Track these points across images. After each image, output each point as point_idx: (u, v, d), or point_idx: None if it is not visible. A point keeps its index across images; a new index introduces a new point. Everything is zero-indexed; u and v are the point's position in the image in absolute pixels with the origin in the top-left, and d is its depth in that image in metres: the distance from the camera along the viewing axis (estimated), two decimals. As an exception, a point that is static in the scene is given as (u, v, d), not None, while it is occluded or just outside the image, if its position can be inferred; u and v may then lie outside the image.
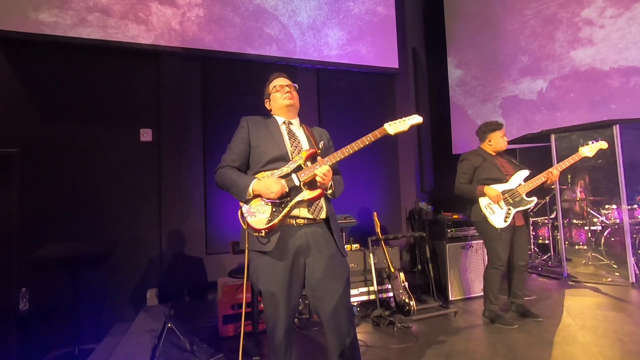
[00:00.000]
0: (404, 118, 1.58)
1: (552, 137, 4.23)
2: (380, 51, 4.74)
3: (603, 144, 2.64)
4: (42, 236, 3.09)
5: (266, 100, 1.77)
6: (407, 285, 2.83)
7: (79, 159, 3.43)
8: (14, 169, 2.33)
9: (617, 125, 3.82)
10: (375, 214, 3.23)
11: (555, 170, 2.62)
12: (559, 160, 4.11)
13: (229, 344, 2.53)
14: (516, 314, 2.82)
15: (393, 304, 2.96)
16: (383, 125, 1.56)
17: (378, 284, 3.02)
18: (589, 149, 2.63)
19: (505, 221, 2.62)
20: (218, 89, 4.05)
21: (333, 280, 1.48)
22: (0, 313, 2.31)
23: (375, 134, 1.54)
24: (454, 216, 3.55)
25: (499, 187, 2.67)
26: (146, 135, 3.72)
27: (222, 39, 4.01)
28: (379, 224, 3.13)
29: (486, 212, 2.66)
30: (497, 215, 2.64)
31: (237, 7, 4.10)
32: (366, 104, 4.69)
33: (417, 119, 1.59)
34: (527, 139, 4.49)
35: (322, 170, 1.45)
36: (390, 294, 3.03)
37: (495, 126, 2.82)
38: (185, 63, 3.93)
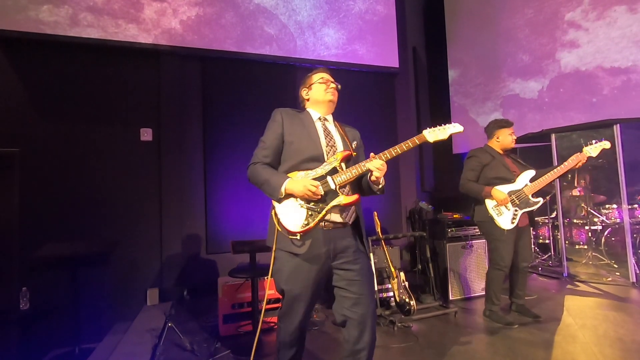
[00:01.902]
0: (444, 126, 1.55)
1: (553, 136, 4.22)
2: (380, 50, 4.73)
3: (606, 144, 2.57)
4: (43, 236, 3.09)
5: (305, 89, 1.71)
6: (407, 285, 2.83)
7: (79, 159, 3.44)
8: (14, 168, 2.32)
9: (618, 125, 3.82)
10: (376, 213, 3.23)
11: (580, 160, 2.53)
12: (559, 160, 4.14)
13: (230, 343, 2.53)
14: (516, 314, 2.82)
15: (393, 304, 2.96)
16: (422, 132, 1.54)
17: (378, 284, 3.02)
18: (592, 149, 2.57)
19: (512, 222, 2.60)
20: (218, 88, 4.04)
21: (362, 284, 1.48)
22: (1, 312, 2.31)
23: (414, 141, 1.51)
24: (454, 216, 3.55)
25: (505, 188, 2.64)
26: (146, 134, 3.72)
27: (222, 38, 4.01)
28: (379, 223, 3.13)
29: (493, 213, 2.63)
30: (505, 216, 2.61)
31: (237, 6, 4.10)
32: (366, 103, 4.69)
33: (457, 128, 1.56)
34: (527, 138, 4.49)
35: (376, 164, 1.44)
36: (391, 294, 3.03)
37: (505, 123, 2.81)
38: (185, 62, 3.93)
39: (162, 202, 3.70)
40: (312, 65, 4.40)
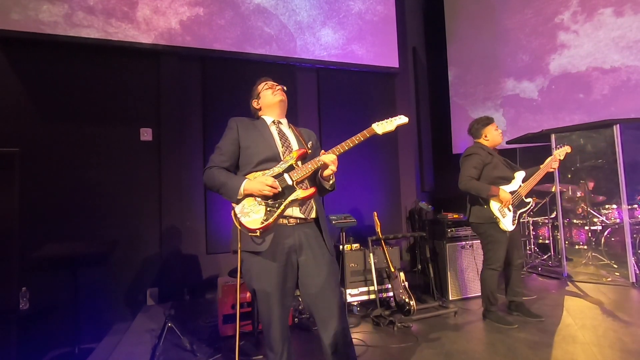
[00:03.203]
0: (391, 118, 1.61)
1: (553, 136, 4.22)
2: (380, 50, 4.73)
3: (567, 149, 2.79)
4: (43, 236, 3.09)
5: (254, 100, 1.79)
6: (407, 285, 2.84)
7: (79, 159, 3.44)
8: (14, 168, 2.32)
9: (618, 125, 3.82)
10: (376, 213, 3.23)
11: (556, 165, 2.72)
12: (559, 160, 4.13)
13: (229, 343, 2.53)
14: (516, 314, 2.81)
15: (393, 304, 2.96)
16: (371, 125, 1.59)
17: (378, 284, 3.03)
18: (560, 152, 2.77)
19: (514, 224, 2.63)
20: (218, 88, 4.05)
21: (325, 278, 1.51)
22: (1, 313, 2.31)
23: (365, 134, 1.56)
24: (454, 216, 3.55)
25: (506, 189, 2.64)
26: (146, 134, 3.72)
27: (222, 38, 4.01)
28: (379, 223, 3.13)
29: (499, 214, 2.60)
30: (508, 218, 2.61)
31: (237, 6, 4.10)
32: (366, 104, 4.69)
33: (402, 120, 1.61)
34: (527, 138, 4.49)
35: (331, 157, 1.49)
36: (390, 294, 3.03)
37: (487, 120, 2.81)
38: (185, 63, 3.93)
39: (162, 202, 3.70)
40: (312, 66, 4.40)
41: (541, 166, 2.77)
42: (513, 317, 2.77)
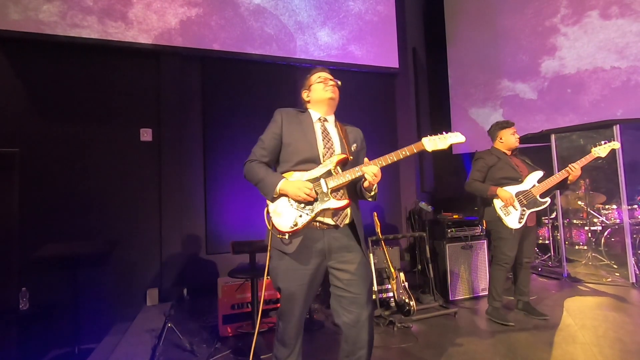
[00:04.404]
0: (445, 134, 1.52)
1: (553, 137, 4.22)
2: (380, 51, 4.74)
3: (615, 144, 2.63)
4: (43, 236, 3.09)
5: (305, 91, 1.72)
6: (407, 285, 2.84)
7: (79, 159, 3.44)
8: (14, 168, 2.32)
9: (618, 125, 3.82)
10: (375, 214, 3.24)
11: (577, 166, 2.60)
12: (559, 160, 4.13)
13: (229, 343, 2.53)
14: (522, 312, 2.85)
15: (393, 304, 2.96)
16: (421, 140, 1.51)
17: (378, 284, 3.02)
18: (601, 149, 2.63)
19: (520, 222, 2.65)
20: (218, 88, 4.04)
21: (358, 284, 1.47)
22: (1, 313, 2.31)
23: (412, 149, 1.49)
24: (454, 216, 3.55)
25: (513, 189, 2.69)
26: (146, 135, 3.72)
27: (222, 38, 4.01)
28: (379, 224, 3.13)
29: (501, 213, 2.68)
30: (512, 216, 2.66)
31: (237, 7, 4.10)
32: (366, 104, 4.68)
33: (459, 138, 1.52)
34: (527, 139, 4.49)
35: (373, 170, 1.43)
36: (390, 294, 3.03)
37: (506, 124, 2.89)
38: (185, 63, 3.93)
39: (161, 202, 3.70)
40: (312, 66, 4.37)
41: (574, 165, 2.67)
42: (513, 316, 2.78)
